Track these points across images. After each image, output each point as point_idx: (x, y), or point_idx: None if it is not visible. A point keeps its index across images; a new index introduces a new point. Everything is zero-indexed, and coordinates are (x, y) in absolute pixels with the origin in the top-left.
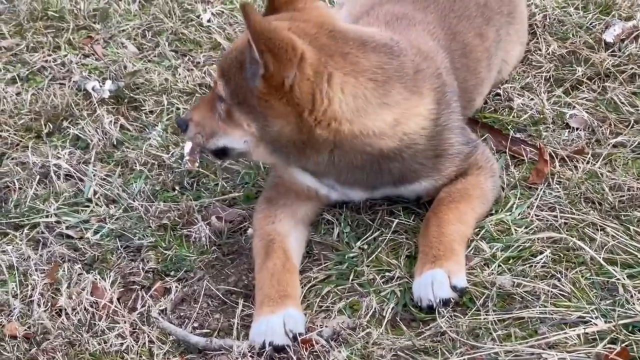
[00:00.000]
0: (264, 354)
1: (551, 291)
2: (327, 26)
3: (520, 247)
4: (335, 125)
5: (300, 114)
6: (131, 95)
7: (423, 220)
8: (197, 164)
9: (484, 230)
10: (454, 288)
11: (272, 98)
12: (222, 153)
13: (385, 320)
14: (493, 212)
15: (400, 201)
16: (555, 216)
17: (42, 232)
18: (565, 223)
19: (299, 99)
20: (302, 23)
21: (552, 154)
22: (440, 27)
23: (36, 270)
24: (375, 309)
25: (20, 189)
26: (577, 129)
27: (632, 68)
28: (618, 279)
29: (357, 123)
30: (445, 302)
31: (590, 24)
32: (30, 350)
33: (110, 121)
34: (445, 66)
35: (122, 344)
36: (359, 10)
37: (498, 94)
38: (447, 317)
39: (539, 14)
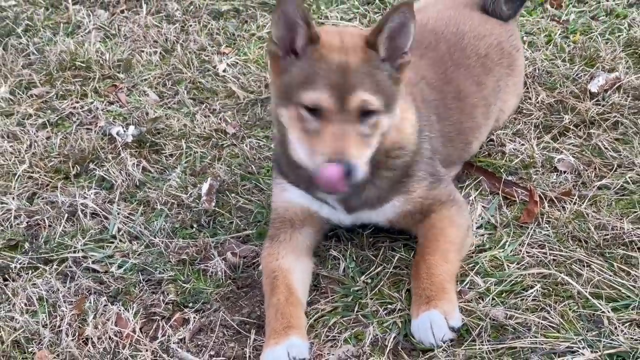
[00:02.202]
0: None
1: (541, 323)
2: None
3: (513, 282)
4: None
5: None
6: (152, 139)
7: (412, 264)
8: (213, 204)
9: (478, 266)
10: (452, 329)
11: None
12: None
13: (388, 349)
14: (487, 248)
15: (401, 238)
16: (545, 253)
17: (70, 267)
18: (554, 260)
19: None
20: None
21: (542, 195)
22: (433, 71)
23: (64, 302)
24: (378, 338)
25: (49, 226)
26: (564, 172)
27: (615, 116)
28: (603, 312)
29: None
30: (445, 342)
31: (576, 75)
32: None
33: (133, 164)
34: (424, 98)
35: None
36: None
37: (492, 140)
38: (445, 347)
39: (529, 66)
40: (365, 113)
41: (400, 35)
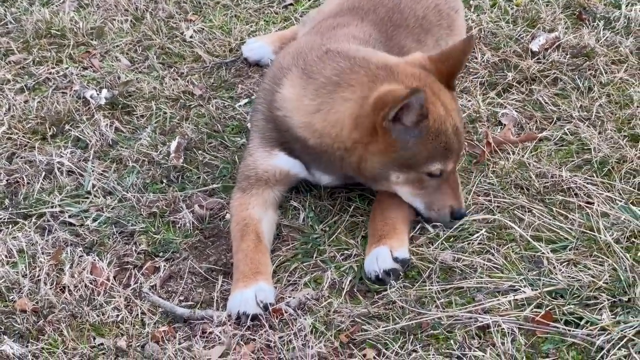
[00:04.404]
0: (241, 322)
1: (486, 264)
2: None
3: (460, 228)
4: None
5: None
6: (124, 101)
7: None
8: (181, 160)
9: None
10: (395, 259)
11: None
12: None
13: (344, 292)
14: None
15: (356, 189)
16: (490, 200)
17: (48, 221)
18: (498, 206)
19: None
20: None
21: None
22: (376, 30)
23: (43, 253)
24: (335, 282)
25: (28, 183)
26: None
27: (554, 73)
28: (543, 253)
29: None
30: (388, 272)
31: (518, 36)
32: (38, 322)
33: (107, 124)
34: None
35: (117, 316)
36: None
37: None
38: (397, 287)
39: (475, 28)
40: None
41: None
